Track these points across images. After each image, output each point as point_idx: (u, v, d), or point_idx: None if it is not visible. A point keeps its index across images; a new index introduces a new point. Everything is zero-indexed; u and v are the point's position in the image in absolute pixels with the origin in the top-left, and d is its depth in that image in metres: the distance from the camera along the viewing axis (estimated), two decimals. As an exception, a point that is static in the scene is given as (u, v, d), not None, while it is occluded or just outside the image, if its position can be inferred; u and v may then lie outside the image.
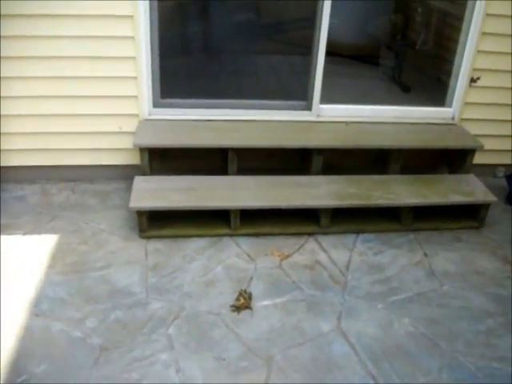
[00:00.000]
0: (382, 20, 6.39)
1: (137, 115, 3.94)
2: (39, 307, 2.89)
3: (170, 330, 2.81)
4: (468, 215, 3.97)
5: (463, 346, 2.87)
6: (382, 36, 6.28)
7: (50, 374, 2.51)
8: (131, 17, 3.62)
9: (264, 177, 3.79)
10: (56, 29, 3.58)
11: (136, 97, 3.88)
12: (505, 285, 3.38)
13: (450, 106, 4.44)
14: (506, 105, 4.41)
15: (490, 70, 4.26)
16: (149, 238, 3.50)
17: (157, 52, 3.82)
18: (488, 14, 4.03)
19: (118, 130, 3.95)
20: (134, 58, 3.75)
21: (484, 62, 4.22)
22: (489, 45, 4.16)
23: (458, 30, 4.27)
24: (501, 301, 3.24)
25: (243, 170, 3.85)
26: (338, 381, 2.59)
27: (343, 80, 5.24)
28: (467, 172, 4.18)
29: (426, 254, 3.60)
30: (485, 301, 3.22)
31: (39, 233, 3.50)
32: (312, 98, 4.14)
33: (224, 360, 2.66)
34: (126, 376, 2.53)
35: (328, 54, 4.05)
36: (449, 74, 4.43)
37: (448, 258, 3.59)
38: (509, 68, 4.26)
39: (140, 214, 3.43)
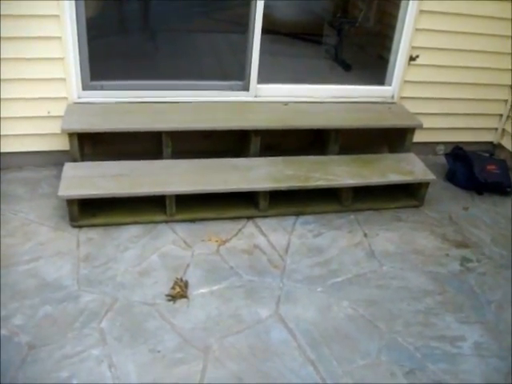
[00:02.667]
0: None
1: (65, 98, 3.75)
2: (-39, 306, 2.72)
3: (103, 324, 2.68)
4: (408, 194, 3.98)
5: (402, 326, 2.87)
6: (324, 13, 6.22)
7: (-27, 377, 2.37)
8: (55, -6, 3.43)
9: (200, 160, 3.68)
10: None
11: (64, 79, 3.69)
12: (443, 263, 3.41)
13: (390, 85, 4.42)
14: (445, 83, 4.44)
15: (429, 48, 4.27)
16: (80, 227, 3.35)
17: (84, 31, 3.62)
18: (426, -9, 4.01)
19: (47, 114, 3.75)
20: (59, 37, 3.54)
21: (422, 40, 4.22)
22: (427, 23, 4.15)
23: (398, 6, 4.23)
24: (439, 279, 3.26)
25: (179, 154, 3.71)
26: (277, 368, 2.54)
27: (284, 59, 5.17)
28: (407, 151, 4.17)
29: (365, 235, 3.58)
30: (424, 280, 3.23)
31: (-38, 226, 3.31)
32: (249, 78, 4.03)
33: (159, 352, 2.56)
34: (55, 375, 2.40)
35: (268, 32, 3.96)
36: (389, 52, 4.40)
37: (388, 237, 3.58)
38: (446, 46, 4.28)
39: (70, 202, 3.27)
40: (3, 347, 2.51)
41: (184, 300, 2.89)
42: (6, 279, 2.90)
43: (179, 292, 2.92)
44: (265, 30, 3.90)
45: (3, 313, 2.69)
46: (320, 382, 2.50)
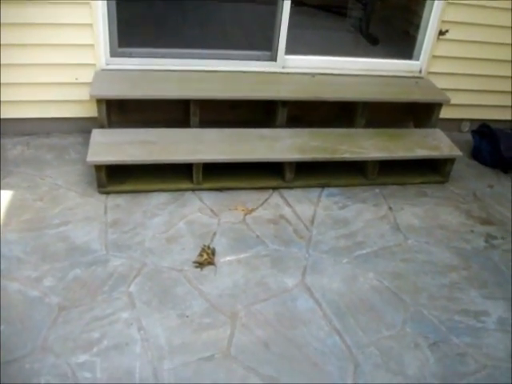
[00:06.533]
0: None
1: (93, 65, 3.75)
2: (-6, 267, 2.77)
3: (132, 288, 2.72)
4: (433, 170, 3.97)
5: (427, 299, 2.89)
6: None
7: (7, 336, 2.40)
8: (85, -42, 3.41)
9: (227, 129, 3.68)
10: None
11: (92, 45, 3.68)
12: (468, 239, 3.40)
13: (418, 59, 4.37)
14: (474, 59, 4.38)
15: (459, 23, 4.19)
16: (108, 193, 3.37)
17: (113, -3, 3.61)
18: (458, -36, 3.94)
19: (75, 80, 3.75)
20: (88, 3, 3.53)
21: (453, 15, 4.14)
22: (459, -4, 4.07)
23: (428, -20, 4.16)
24: (463, 254, 3.26)
25: (206, 123, 3.72)
26: (303, 336, 2.57)
27: (310, 31, 5.12)
28: (433, 126, 4.15)
29: (391, 209, 3.58)
30: (448, 255, 3.24)
31: (-8, 189, 3.35)
32: (277, 49, 4.00)
33: (187, 317, 2.60)
34: (86, 336, 2.45)
35: (295, 3, 3.90)
36: (417, 26, 4.34)
37: (413, 212, 3.58)
38: (478, 21, 4.20)
39: (98, 168, 3.29)
40: (35, 308, 2.56)
41: (211, 267, 2.92)
42: (38, 242, 2.95)
43: (206, 259, 2.95)
44: (292, 1, 3.84)
45: (35, 274, 2.74)
46: (346, 350, 2.53)
